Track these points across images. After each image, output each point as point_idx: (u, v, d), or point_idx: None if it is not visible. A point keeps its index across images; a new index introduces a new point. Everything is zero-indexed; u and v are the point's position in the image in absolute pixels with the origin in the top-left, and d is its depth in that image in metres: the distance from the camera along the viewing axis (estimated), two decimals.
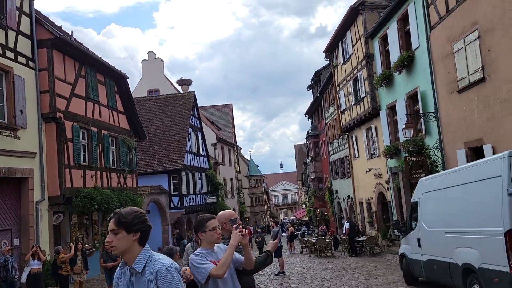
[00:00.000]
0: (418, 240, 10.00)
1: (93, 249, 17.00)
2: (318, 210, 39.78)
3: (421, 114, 15.75)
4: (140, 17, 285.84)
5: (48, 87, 15.16)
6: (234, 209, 35.85)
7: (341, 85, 25.15)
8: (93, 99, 18.13)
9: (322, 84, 31.72)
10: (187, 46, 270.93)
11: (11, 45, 13.82)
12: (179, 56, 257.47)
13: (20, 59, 14.19)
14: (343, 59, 24.23)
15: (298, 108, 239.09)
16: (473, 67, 12.16)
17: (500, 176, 6.57)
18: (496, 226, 6.58)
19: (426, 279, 10.25)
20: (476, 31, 11.85)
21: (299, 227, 44.19)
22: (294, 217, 72.80)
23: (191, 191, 29.06)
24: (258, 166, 66.53)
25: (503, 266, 6.41)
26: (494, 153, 10.76)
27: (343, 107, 25.25)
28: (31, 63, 14.71)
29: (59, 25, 17.63)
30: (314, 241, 21.69)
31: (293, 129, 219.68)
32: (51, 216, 14.99)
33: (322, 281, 12.80)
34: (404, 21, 17.08)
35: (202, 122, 34.06)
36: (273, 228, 19.59)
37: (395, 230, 12.93)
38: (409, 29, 16.47)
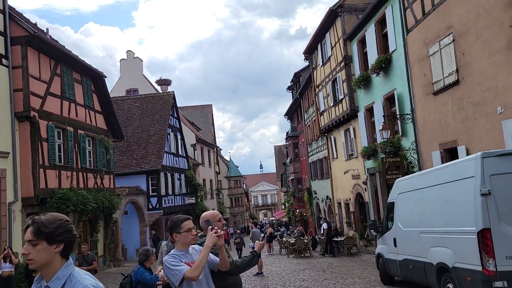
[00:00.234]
0: (394, 240, 10.14)
1: None
2: (297, 210, 39.96)
3: (397, 116, 15.99)
4: (119, 16, 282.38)
5: (22, 85, 14.79)
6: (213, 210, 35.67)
7: (320, 87, 25.34)
8: (69, 98, 17.79)
9: (302, 86, 31.92)
10: (167, 46, 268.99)
11: None
12: (158, 56, 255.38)
13: None
14: (322, 61, 24.41)
15: (278, 109, 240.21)
16: (448, 70, 12.41)
17: (473, 176, 6.71)
18: (469, 226, 6.71)
19: (402, 279, 10.40)
20: (451, 34, 12.10)
21: (278, 227, 44.28)
22: (273, 218, 72.97)
23: (170, 192, 28.81)
24: (238, 167, 66.48)
25: (476, 265, 6.54)
26: (467, 154, 11.01)
27: (322, 108, 25.44)
28: (4, 61, 14.33)
29: (34, 22, 17.25)
30: (293, 241, 21.78)
31: (273, 130, 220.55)
32: (24, 218, 14.61)
33: (300, 281, 12.85)
34: (381, 24, 17.32)
35: (181, 122, 33.81)
36: (252, 229, 19.58)
37: (372, 230, 13.08)
38: (387, 32, 16.71)
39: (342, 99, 21.59)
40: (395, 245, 10.10)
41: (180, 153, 31.80)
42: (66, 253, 2.26)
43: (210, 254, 3.55)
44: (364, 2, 20.00)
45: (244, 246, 21.23)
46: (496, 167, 6.61)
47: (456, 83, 12.06)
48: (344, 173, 22.34)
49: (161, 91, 38.43)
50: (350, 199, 22.88)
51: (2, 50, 14.29)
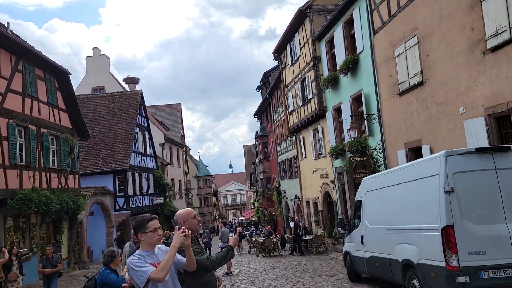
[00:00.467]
0: (362, 237, 10.29)
1: (30, 253, 16.09)
2: (266, 210, 40.09)
3: (364, 116, 16.26)
4: (85, 13, 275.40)
5: None
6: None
7: (289, 87, 25.49)
8: (32, 95, 17.18)
9: (271, 85, 32.03)
10: (135, 44, 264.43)
11: None
12: (126, 55, 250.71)
13: None
14: (291, 61, 24.56)
15: (247, 109, 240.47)
16: (412, 71, 12.71)
17: (437, 174, 6.88)
18: (434, 223, 6.88)
19: (369, 276, 10.57)
20: (416, 36, 12.40)
21: (248, 227, 44.31)
22: (242, 218, 72.95)
23: (138, 192, 28.30)
24: (207, 166, 66.13)
25: (440, 261, 6.70)
26: (431, 153, 11.31)
27: (291, 108, 25.60)
28: None
29: None
30: (262, 241, 21.81)
31: (242, 130, 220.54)
32: None
33: (269, 280, 12.87)
34: (349, 25, 17.58)
35: (149, 121, 33.26)
36: (221, 228, 19.47)
37: (340, 228, 13.24)
38: (354, 33, 16.96)
39: (310, 99, 21.79)
40: (362, 243, 10.25)
41: (148, 152, 31.30)
42: None
43: (177, 254, 3.47)
44: (332, 3, 20.25)
45: (211, 246, 21.08)
46: (459, 165, 6.80)
47: (420, 84, 12.38)
48: (313, 172, 22.56)
49: (128, 90, 37.70)
50: (318, 198, 23.13)
51: None
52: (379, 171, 14.45)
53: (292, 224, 21.39)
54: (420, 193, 7.52)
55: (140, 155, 29.28)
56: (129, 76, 42.63)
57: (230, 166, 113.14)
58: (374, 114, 15.61)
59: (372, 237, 9.75)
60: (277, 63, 29.96)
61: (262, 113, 40.14)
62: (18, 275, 11.04)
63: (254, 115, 43.03)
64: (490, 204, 6.72)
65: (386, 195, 9.07)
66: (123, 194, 26.28)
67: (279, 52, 26.88)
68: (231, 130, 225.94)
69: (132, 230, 3.73)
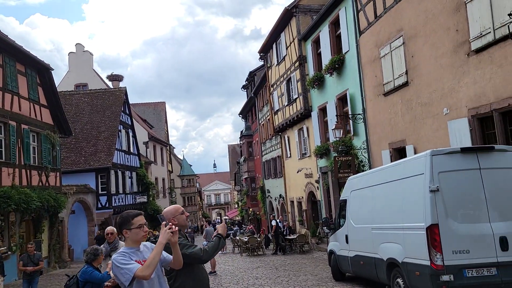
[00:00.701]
0: (346, 237, 10.31)
1: (9, 252, 15.71)
2: (250, 209, 40.04)
3: (350, 116, 16.33)
4: (68, 9, 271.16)
5: None
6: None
7: (275, 86, 25.48)
8: (12, 91, 16.80)
9: (256, 85, 31.98)
10: (119, 42, 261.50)
11: None
12: (110, 52, 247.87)
13: None
14: (277, 60, 24.55)
15: (232, 109, 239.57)
16: (397, 72, 12.81)
17: (423, 174, 6.92)
18: (419, 222, 6.91)
19: (353, 275, 10.61)
20: (401, 37, 12.49)
21: (232, 226, 44.22)
22: (226, 217, 72.80)
23: (121, 190, 27.95)
24: (191, 165, 65.75)
25: (424, 260, 6.74)
26: (415, 153, 11.40)
27: (276, 107, 25.60)
28: None
29: None
30: (246, 240, 21.76)
31: (226, 129, 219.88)
32: None
33: (253, 279, 12.82)
34: (335, 25, 17.64)
35: (133, 119, 32.90)
36: (205, 227, 19.35)
37: (325, 228, 13.25)
38: (340, 33, 17.03)
39: (296, 98, 21.81)
40: (347, 242, 10.28)
41: (131, 150, 30.96)
42: None
43: (162, 251, 3.38)
44: (319, 3, 20.30)
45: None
46: (444, 164, 6.85)
47: (405, 84, 12.47)
48: (297, 172, 22.59)
49: (112, 87, 37.23)
50: (302, 197, 23.17)
51: None
52: (363, 170, 14.52)
53: (273, 222, 21.48)
54: (405, 192, 7.55)
55: (123, 153, 28.94)
56: (113, 74, 42.13)
57: (214, 166, 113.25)
58: (359, 114, 15.68)
59: (357, 236, 9.78)
60: (262, 63, 29.93)
61: (247, 112, 40.08)
62: None
63: (239, 114, 42.94)
64: (474, 203, 6.79)
65: (371, 194, 9.10)
66: (105, 192, 25.93)
67: (265, 51, 26.85)
68: (215, 130, 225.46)
69: (117, 227, 3.61)
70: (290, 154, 24.80)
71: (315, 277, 12.14)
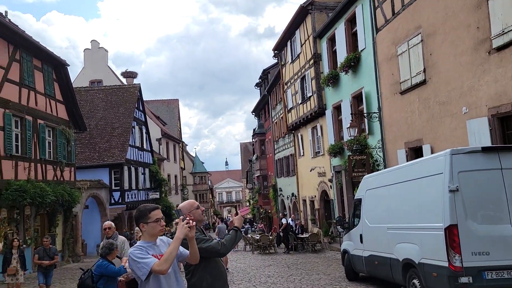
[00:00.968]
0: (361, 236, 10.18)
1: (25, 245, 15.88)
2: (262, 207, 39.99)
3: (365, 114, 16.15)
4: (84, 6, 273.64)
5: None
6: (177, 206, 35.43)
7: (289, 84, 25.36)
8: (29, 86, 16.98)
9: (270, 82, 31.88)
10: (134, 39, 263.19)
11: None
12: (125, 49, 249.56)
13: None
14: (292, 58, 24.42)
15: (244, 107, 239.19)
16: (415, 70, 12.60)
17: (442, 173, 6.77)
18: (437, 222, 6.77)
19: (367, 275, 10.47)
20: (420, 35, 12.28)
21: (243, 224, 44.25)
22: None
23: (133, 186, 28.12)
24: (203, 163, 65.88)
25: (442, 261, 6.60)
26: (432, 153, 11.20)
27: (290, 105, 25.48)
28: None
29: None
30: (258, 238, 21.71)
31: (239, 127, 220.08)
32: None
33: (266, 277, 12.76)
34: (351, 22, 17.45)
35: (147, 116, 33.06)
36: (218, 224, 19.34)
37: (338, 227, 13.13)
38: (356, 30, 16.84)
39: (310, 96, 21.67)
40: (361, 242, 10.15)
41: (144, 147, 31.12)
42: None
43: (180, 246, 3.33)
44: (335, 1, 20.11)
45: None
46: (464, 164, 6.69)
47: (423, 82, 12.27)
48: (310, 171, 22.45)
49: (126, 84, 37.46)
50: (315, 196, 23.03)
51: None
52: (378, 170, 14.35)
53: (284, 220, 21.39)
54: (423, 191, 7.40)
55: (136, 150, 29.10)
56: (127, 70, 42.38)
57: (226, 163, 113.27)
58: (374, 112, 15.50)
59: (372, 236, 9.64)
60: (276, 61, 29.82)
61: (260, 110, 40.00)
62: (18, 269, 10.64)
63: (252, 112, 42.89)
64: (495, 204, 6.62)
65: (388, 194, 8.96)
66: (118, 188, 26.10)
67: (279, 49, 26.73)
68: (227, 128, 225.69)
69: (134, 221, 3.55)
70: (303, 152, 24.66)
71: (328, 277, 12.03)
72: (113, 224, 7.86)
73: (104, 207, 24.88)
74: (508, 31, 9.00)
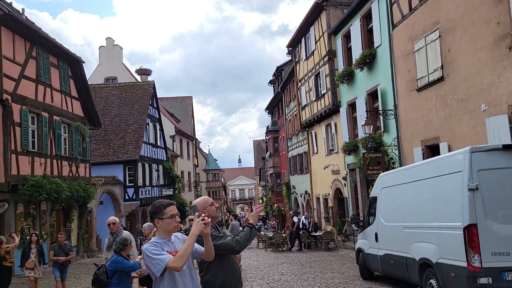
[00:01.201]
0: (376, 235, 10.05)
1: (41, 240, 16.08)
2: (275, 205, 39.91)
3: (380, 112, 15.95)
4: (99, 4, 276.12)
5: None
6: (190, 203, 35.45)
7: (303, 81, 25.20)
8: (45, 83, 17.14)
9: (284, 80, 31.73)
10: (148, 37, 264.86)
11: None
12: (139, 47, 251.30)
13: None
14: (306, 55, 24.25)
15: (257, 104, 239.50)
16: (432, 66, 12.38)
17: (461, 171, 6.61)
18: (455, 221, 6.62)
19: (382, 274, 10.34)
20: (437, 30, 12.05)
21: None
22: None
23: (147, 183, 28.28)
24: (216, 160, 66.01)
25: (461, 261, 6.45)
26: (449, 151, 10.98)
27: (303, 102, 25.32)
28: None
29: (10, 2, 16.51)
30: (271, 235, 21.66)
31: (252, 125, 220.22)
32: None
33: (279, 275, 12.70)
34: (367, 18, 17.24)
35: (161, 113, 33.20)
36: (231, 221, 19.35)
37: (353, 225, 12.99)
38: (372, 26, 16.62)
39: (324, 93, 21.49)
40: (377, 240, 10.02)
41: (158, 143, 31.26)
42: None
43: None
44: None
45: None
46: (484, 162, 6.53)
47: (440, 79, 12.04)
48: (324, 168, 22.29)
49: (140, 81, 37.66)
50: (329, 194, 22.87)
51: None
52: (393, 168, 14.17)
53: (295, 219, 21.28)
54: (441, 190, 7.25)
55: (150, 146, 29.25)
56: (142, 68, 42.59)
57: (239, 161, 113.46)
58: (390, 110, 15.29)
59: (387, 235, 9.51)
60: (290, 58, 29.65)
61: (274, 107, 39.88)
62: (37, 264, 10.76)
63: (265, 110, 42.80)
64: None
65: (404, 192, 8.81)
66: (132, 184, 26.27)
67: (293, 45, 26.57)
68: (240, 125, 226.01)
69: (149, 217, 3.52)
70: (317, 150, 24.50)
71: (342, 275, 11.92)
72: (117, 219, 7.71)
73: (118, 203, 25.07)
74: None
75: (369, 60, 16.53)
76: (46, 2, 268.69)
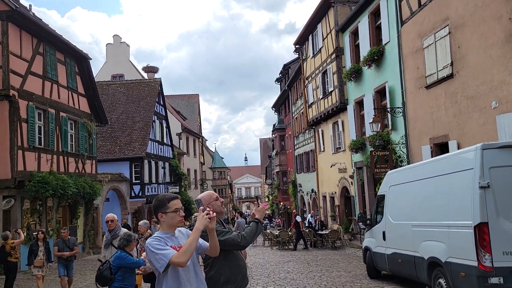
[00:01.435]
0: (384, 233, 9.91)
1: (47, 237, 16.10)
2: (281, 203, 39.81)
3: (388, 109, 15.79)
4: (107, 2, 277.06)
5: (1, 62, 14.17)
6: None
7: (310, 79, 25.05)
8: (52, 79, 17.15)
9: (291, 77, 31.60)
10: (155, 35, 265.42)
11: None
12: (146, 45, 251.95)
13: None
14: (313, 52, 24.09)
15: (264, 103, 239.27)
16: (442, 63, 12.20)
17: (472, 168, 6.47)
18: (466, 220, 6.48)
19: (390, 273, 10.21)
20: (447, 27, 11.87)
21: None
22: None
23: (153, 180, 28.29)
24: (223, 158, 65.98)
25: (471, 260, 6.32)
26: (459, 149, 10.81)
27: (310, 100, 25.17)
28: None
29: None
30: (277, 233, 21.57)
31: (258, 123, 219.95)
32: (0, 200, 14.07)
33: (285, 273, 12.60)
34: (375, 15, 17.06)
35: (167, 110, 33.19)
36: (237, 219, 19.25)
37: (360, 223, 12.86)
38: (380, 23, 16.45)
39: (331, 91, 21.34)
40: (384, 239, 9.88)
41: (165, 141, 31.27)
42: None
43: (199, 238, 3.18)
44: None
45: None
46: (496, 159, 6.38)
47: (450, 76, 11.87)
48: (331, 167, 22.14)
49: (147, 78, 37.67)
50: (335, 192, 22.73)
51: None
52: (401, 166, 14.00)
53: (298, 218, 21.18)
54: (451, 188, 7.11)
55: (157, 144, 29.25)
56: (148, 65, 42.61)
57: (246, 159, 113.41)
58: (398, 107, 15.12)
59: (395, 233, 9.37)
60: (296, 56, 29.50)
61: (280, 105, 39.74)
62: (45, 261, 10.70)
63: (272, 108, 42.66)
64: None
65: (413, 190, 8.66)
66: (139, 181, 26.30)
67: (300, 43, 26.42)
68: (247, 123, 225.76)
69: (152, 210, 3.42)
70: (323, 148, 24.35)
71: (349, 274, 11.80)
72: (115, 216, 7.52)
73: (124, 200, 25.10)
74: None
75: (377, 57, 16.36)
76: (54, 0, 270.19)
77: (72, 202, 18.36)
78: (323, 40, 22.23)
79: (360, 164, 18.63)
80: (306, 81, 25.87)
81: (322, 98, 22.85)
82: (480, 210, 6.23)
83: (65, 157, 17.91)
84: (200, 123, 54.64)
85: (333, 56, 20.79)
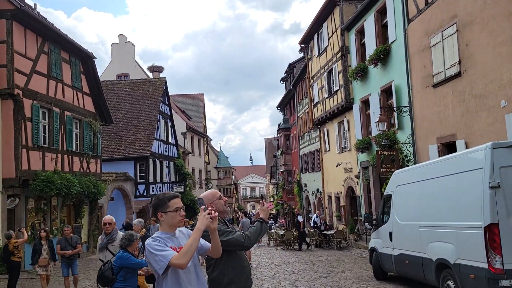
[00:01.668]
0: (390, 234, 9.76)
1: (51, 236, 16.08)
2: (286, 203, 39.65)
3: (394, 108, 15.62)
4: (113, 3, 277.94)
5: (6, 61, 14.13)
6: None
7: (315, 78, 24.89)
8: (56, 78, 17.12)
9: (296, 77, 31.44)
10: (161, 35, 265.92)
11: None
12: (152, 45, 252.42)
13: None
14: (318, 51, 23.94)
15: (269, 103, 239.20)
16: (449, 62, 12.02)
17: (482, 168, 6.31)
18: (475, 220, 6.33)
19: (397, 274, 10.06)
20: (455, 24, 11.70)
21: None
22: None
23: (158, 179, 28.25)
24: (227, 158, 65.92)
25: (481, 262, 6.17)
26: (466, 148, 10.64)
27: (316, 100, 25.02)
28: None
29: None
30: (282, 233, 21.43)
31: (263, 123, 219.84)
32: (4, 200, 14.04)
33: (290, 273, 12.47)
34: (381, 14, 16.90)
35: (172, 110, 33.14)
36: (242, 219, 19.16)
37: (366, 224, 12.70)
38: (387, 22, 16.28)
39: (337, 90, 21.18)
40: (391, 239, 9.73)
41: (170, 140, 31.22)
42: None
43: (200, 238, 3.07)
44: None
45: None
46: (506, 158, 6.22)
47: (458, 75, 11.69)
48: (336, 166, 21.99)
49: (152, 78, 37.65)
50: (341, 192, 22.56)
51: None
52: (407, 166, 13.83)
53: (299, 218, 21.03)
54: (460, 188, 6.95)
55: (162, 143, 29.21)
56: (154, 65, 42.60)
57: (251, 159, 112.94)
58: (405, 106, 14.95)
59: (403, 234, 9.22)
60: (302, 55, 29.34)
61: (286, 105, 39.60)
62: (49, 260, 10.59)
63: (277, 107, 42.54)
64: None
65: (420, 190, 8.51)
66: (143, 181, 26.26)
67: (306, 42, 26.26)
68: (252, 123, 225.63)
69: (152, 209, 3.31)
70: (329, 147, 24.19)
71: (355, 275, 11.65)
72: (113, 219, 7.21)
73: (129, 200, 25.07)
74: None
75: (383, 56, 16.19)
76: (61, 0, 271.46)
77: (76, 202, 18.33)
78: (328, 39, 22.07)
79: (366, 164, 18.46)
80: (311, 80, 25.71)
81: (327, 97, 22.69)
82: (490, 210, 6.07)
83: (70, 156, 17.88)
84: (205, 123, 54.60)
85: (339, 55, 20.63)
